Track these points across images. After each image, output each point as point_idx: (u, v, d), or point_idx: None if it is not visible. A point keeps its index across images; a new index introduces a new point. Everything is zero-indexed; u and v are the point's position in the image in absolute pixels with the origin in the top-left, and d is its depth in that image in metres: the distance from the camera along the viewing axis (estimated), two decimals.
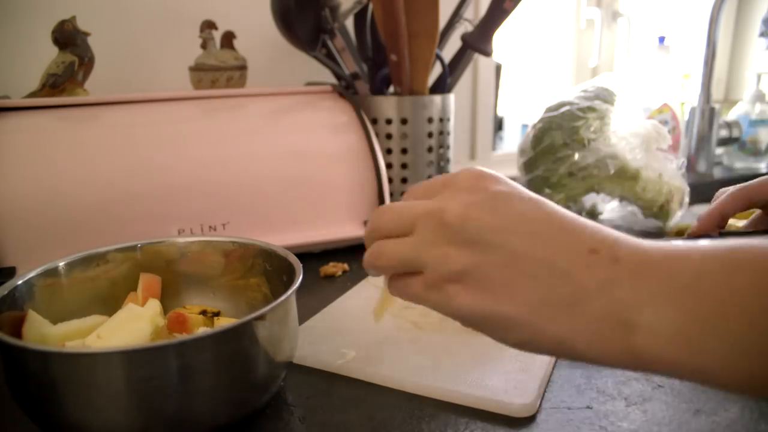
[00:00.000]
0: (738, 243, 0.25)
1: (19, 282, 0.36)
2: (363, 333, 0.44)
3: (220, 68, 0.74)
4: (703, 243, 0.26)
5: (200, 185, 0.57)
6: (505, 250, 0.28)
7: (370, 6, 0.81)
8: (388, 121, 0.77)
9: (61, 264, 0.40)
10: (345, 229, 0.63)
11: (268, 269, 0.41)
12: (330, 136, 0.65)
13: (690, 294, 0.25)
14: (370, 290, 0.54)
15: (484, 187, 0.30)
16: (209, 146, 0.59)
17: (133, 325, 0.35)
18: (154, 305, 0.38)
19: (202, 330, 0.36)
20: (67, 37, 0.63)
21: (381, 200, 0.65)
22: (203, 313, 0.40)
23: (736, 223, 0.62)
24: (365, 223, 0.64)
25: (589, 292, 0.26)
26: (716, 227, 0.51)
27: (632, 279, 0.26)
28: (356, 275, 0.59)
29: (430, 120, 0.78)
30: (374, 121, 0.78)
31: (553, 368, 0.40)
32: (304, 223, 0.62)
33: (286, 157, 0.62)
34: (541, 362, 0.39)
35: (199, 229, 0.57)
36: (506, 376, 0.38)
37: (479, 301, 0.28)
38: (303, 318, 0.48)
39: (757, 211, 0.54)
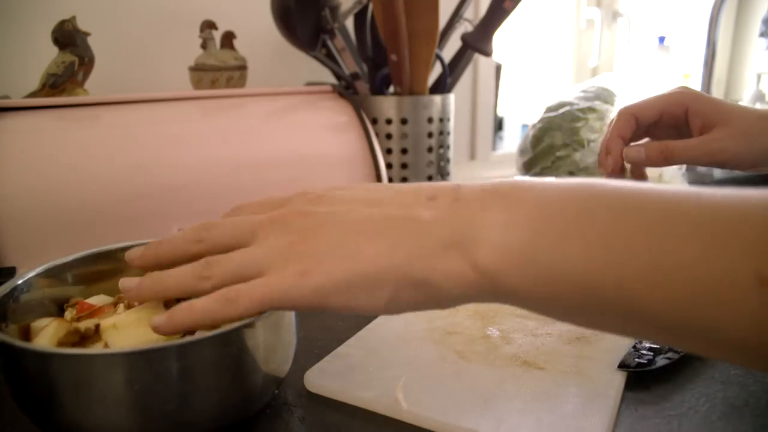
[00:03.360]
0: (587, 180, 0.27)
1: (20, 281, 0.36)
2: (401, 363, 0.39)
3: (220, 68, 0.74)
4: (552, 179, 0.27)
5: (200, 185, 0.57)
6: (349, 222, 0.29)
7: (370, 6, 0.81)
8: (388, 121, 0.77)
9: (63, 263, 0.40)
10: None
11: None
12: (330, 136, 0.65)
13: (534, 217, 0.26)
14: (409, 312, 0.49)
15: (317, 193, 0.32)
16: (209, 146, 0.59)
17: (134, 331, 0.33)
18: (157, 306, 0.37)
19: (199, 333, 0.36)
20: (67, 37, 0.63)
21: None
22: None
23: None
24: None
25: (431, 222, 0.28)
26: (622, 151, 0.52)
27: (475, 208, 0.27)
28: None
29: (430, 120, 0.78)
30: (374, 121, 0.78)
31: (616, 419, 0.34)
32: None
33: (286, 157, 0.62)
34: (605, 406, 0.34)
35: None
36: (565, 422, 0.33)
37: (337, 269, 0.28)
38: (306, 321, 0.48)
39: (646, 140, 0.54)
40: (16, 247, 0.50)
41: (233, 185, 0.59)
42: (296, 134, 0.64)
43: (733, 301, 0.22)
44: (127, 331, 0.33)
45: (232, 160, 0.59)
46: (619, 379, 0.37)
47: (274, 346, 0.34)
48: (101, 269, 0.41)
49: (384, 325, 0.45)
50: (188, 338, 0.30)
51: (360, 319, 0.47)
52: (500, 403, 0.35)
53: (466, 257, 0.26)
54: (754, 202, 0.23)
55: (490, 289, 0.26)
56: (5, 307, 0.34)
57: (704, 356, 0.27)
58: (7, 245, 0.50)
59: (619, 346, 0.41)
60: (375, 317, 0.47)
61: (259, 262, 0.30)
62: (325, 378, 0.38)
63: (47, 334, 0.34)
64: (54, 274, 0.39)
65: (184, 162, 0.57)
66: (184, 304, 0.30)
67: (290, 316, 0.36)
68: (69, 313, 0.37)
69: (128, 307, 0.36)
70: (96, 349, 0.32)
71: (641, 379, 0.37)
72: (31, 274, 0.37)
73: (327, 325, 0.47)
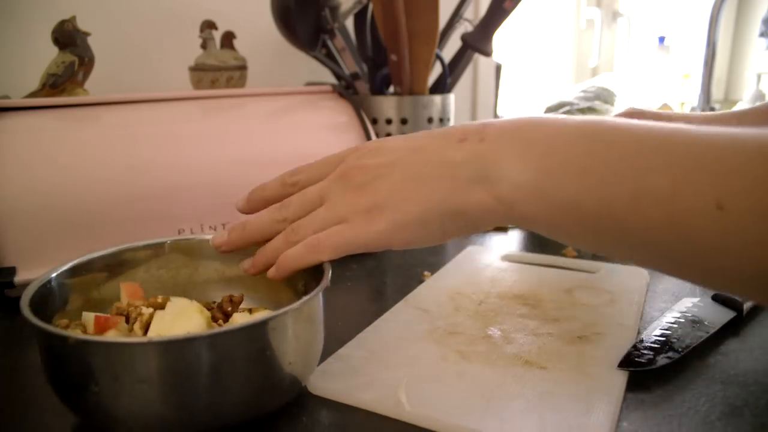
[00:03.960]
0: (594, 118, 0.31)
1: (53, 275, 0.37)
2: (402, 364, 0.39)
3: (220, 68, 0.74)
4: (566, 117, 0.32)
5: (200, 185, 0.57)
6: (396, 173, 0.35)
7: (370, 6, 0.82)
8: (388, 121, 0.77)
9: (92, 258, 0.41)
10: None
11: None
12: (330, 136, 0.65)
13: (543, 156, 0.31)
14: (409, 312, 0.48)
15: (367, 148, 0.38)
16: (209, 146, 0.59)
17: (187, 320, 0.35)
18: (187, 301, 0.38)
19: (239, 321, 0.36)
20: (67, 37, 0.63)
21: None
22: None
23: None
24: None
25: (461, 164, 0.33)
26: None
27: (496, 150, 0.33)
28: (359, 275, 0.59)
29: (430, 120, 0.78)
30: (374, 121, 0.78)
31: (618, 419, 0.34)
32: None
33: (286, 158, 0.62)
34: (608, 405, 0.34)
35: (199, 229, 0.57)
36: (568, 421, 0.33)
37: (394, 215, 0.35)
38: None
39: None
40: (16, 247, 0.50)
41: (233, 185, 0.58)
42: (296, 134, 0.64)
43: (697, 224, 0.26)
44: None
45: (232, 160, 0.59)
46: (621, 378, 0.37)
47: (303, 342, 0.34)
48: (130, 264, 0.43)
49: (384, 327, 0.45)
50: (221, 328, 0.31)
51: (360, 321, 0.47)
52: (503, 402, 0.35)
53: (490, 192, 0.32)
54: (720, 139, 0.27)
55: (510, 215, 0.33)
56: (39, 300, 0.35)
57: (683, 278, 0.31)
58: (7, 245, 0.50)
59: (620, 345, 0.41)
60: (374, 320, 0.47)
61: (333, 219, 0.36)
62: (327, 379, 0.38)
63: None
64: (86, 268, 0.40)
65: (184, 162, 0.57)
66: (282, 255, 0.37)
67: (320, 316, 0.37)
68: (78, 330, 0.36)
69: (152, 306, 0.37)
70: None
71: (641, 379, 0.37)
72: (63, 268, 0.38)
73: (327, 326, 0.47)
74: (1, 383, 0.40)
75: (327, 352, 0.41)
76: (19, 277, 0.49)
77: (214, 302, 0.42)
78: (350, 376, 0.38)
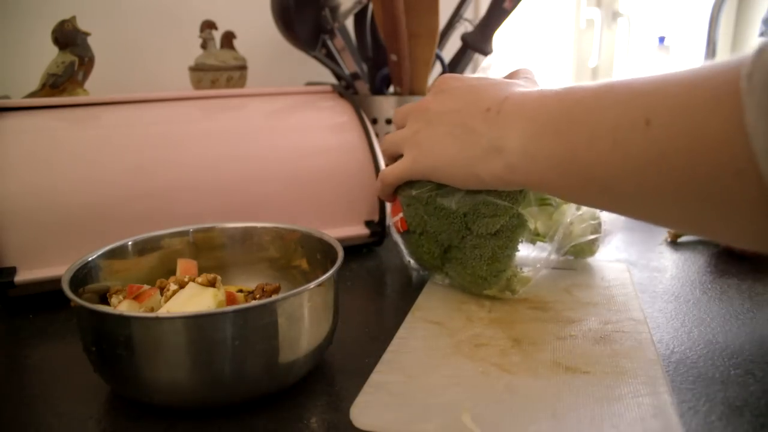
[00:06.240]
0: (577, 87, 0.36)
1: (89, 258, 0.40)
2: (445, 385, 0.37)
3: (220, 68, 0.74)
4: (567, 87, 0.37)
5: (200, 185, 0.57)
6: (443, 124, 0.44)
7: (370, 6, 0.82)
8: (388, 121, 0.77)
9: (123, 244, 0.44)
10: (345, 229, 0.63)
11: (318, 258, 0.45)
12: (330, 136, 0.65)
13: (531, 123, 0.38)
14: (423, 327, 0.45)
15: (440, 89, 0.46)
16: (209, 146, 0.59)
17: (198, 300, 0.38)
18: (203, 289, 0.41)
19: (253, 301, 0.39)
20: (67, 37, 0.63)
21: (381, 200, 0.65)
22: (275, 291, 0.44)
23: None
24: (366, 223, 0.64)
25: (481, 134, 0.41)
26: None
27: (505, 122, 0.40)
28: (359, 275, 0.59)
29: None
30: (374, 121, 0.78)
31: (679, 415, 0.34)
32: (304, 223, 0.62)
33: (286, 157, 0.62)
34: (666, 403, 0.34)
35: None
36: (643, 424, 0.33)
37: (433, 162, 0.45)
38: None
39: None
40: (16, 247, 0.50)
41: (233, 185, 0.59)
42: (296, 134, 0.64)
43: (630, 139, 0.31)
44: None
45: (232, 160, 0.59)
46: (661, 376, 0.37)
47: (316, 320, 0.37)
48: (156, 252, 0.46)
49: (405, 345, 0.43)
50: (235, 306, 0.34)
51: (360, 320, 0.47)
52: (569, 413, 0.34)
53: (502, 160, 0.40)
54: (659, 76, 0.31)
55: (514, 177, 0.40)
56: (80, 278, 0.39)
57: (645, 219, 0.35)
58: (7, 245, 0.50)
59: (641, 340, 0.42)
60: (376, 319, 0.47)
61: (400, 144, 0.49)
62: (373, 412, 0.34)
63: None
64: (117, 253, 0.44)
65: (184, 162, 0.57)
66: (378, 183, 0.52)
67: (332, 297, 0.39)
68: (116, 299, 0.40)
69: (180, 285, 0.40)
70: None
71: None
72: (99, 252, 0.42)
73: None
74: (1, 383, 0.40)
75: (334, 349, 0.41)
76: (19, 277, 0.49)
77: (244, 290, 0.44)
78: (397, 406, 0.35)
